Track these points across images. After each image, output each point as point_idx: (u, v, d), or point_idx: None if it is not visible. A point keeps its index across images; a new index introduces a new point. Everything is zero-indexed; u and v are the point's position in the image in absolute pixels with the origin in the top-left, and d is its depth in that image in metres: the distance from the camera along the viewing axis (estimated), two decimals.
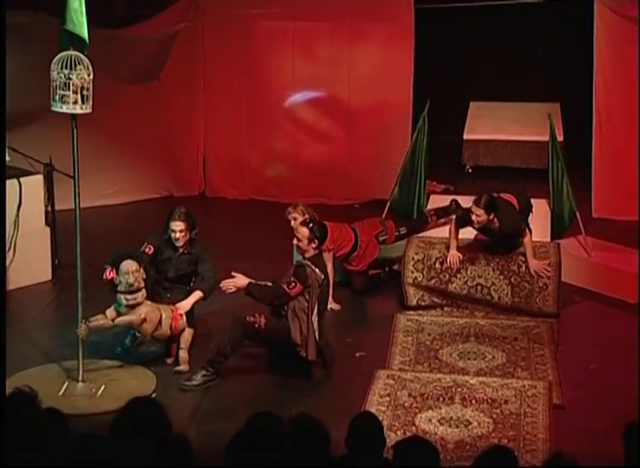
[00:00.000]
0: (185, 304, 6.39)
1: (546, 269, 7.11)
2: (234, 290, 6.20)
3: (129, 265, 6.07)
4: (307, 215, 7.11)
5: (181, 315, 6.33)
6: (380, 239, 7.83)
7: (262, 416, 3.78)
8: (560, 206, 8.47)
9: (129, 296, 6.10)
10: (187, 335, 6.40)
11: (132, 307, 6.12)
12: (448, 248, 7.32)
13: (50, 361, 6.45)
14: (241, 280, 6.18)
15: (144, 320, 6.14)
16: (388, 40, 9.80)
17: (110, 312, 6.18)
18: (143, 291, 6.15)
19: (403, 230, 7.90)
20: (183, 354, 6.39)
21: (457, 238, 7.29)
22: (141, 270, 6.11)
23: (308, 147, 10.09)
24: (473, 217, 6.95)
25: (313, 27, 9.93)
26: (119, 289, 6.11)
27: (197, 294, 6.45)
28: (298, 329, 6.15)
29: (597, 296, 7.64)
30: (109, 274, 6.12)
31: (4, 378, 5.07)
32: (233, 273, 6.22)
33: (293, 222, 7.37)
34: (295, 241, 6.37)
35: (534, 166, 10.09)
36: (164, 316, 6.24)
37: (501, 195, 7.40)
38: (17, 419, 3.63)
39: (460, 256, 7.20)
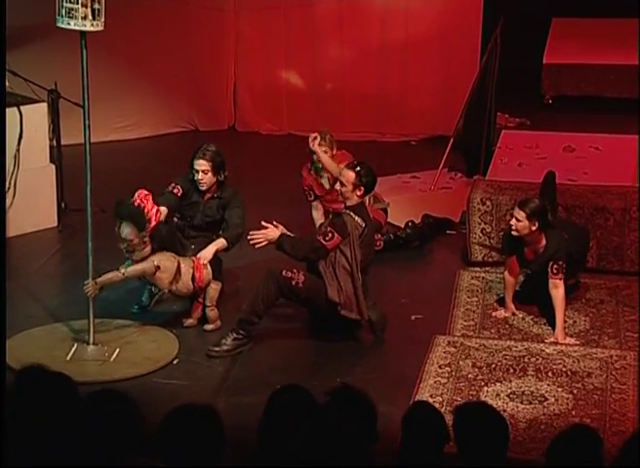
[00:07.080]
0: (207, 252, 6.40)
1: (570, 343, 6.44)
2: (264, 243, 6.18)
3: (123, 231, 6.11)
4: (334, 150, 7.14)
5: (205, 265, 6.36)
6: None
7: (288, 391, 3.77)
8: None
9: (130, 255, 6.18)
10: (212, 292, 6.42)
11: (138, 262, 6.20)
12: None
13: (56, 320, 6.52)
14: (272, 231, 6.15)
15: (158, 268, 6.20)
16: None
17: (123, 267, 6.24)
18: (147, 248, 6.18)
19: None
20: (210, 312, 6.44)
21: (513, 287, 6.73)
22: (141, 233, 6.11)
23: (357, 73, 10.01)
24: (512, 221, 6.55)
25: None
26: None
27: (220, 242, 6.46)
28: (336, 287, 6.14)
29: None
30: None
31: (4, 379, 5.12)
32: (263, 223, 6.20)
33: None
34: (337, 186, 6.30)
35: (626, 95, 9.93)
36: (183, 265, 6.28)
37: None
38: (27, 397, 3.66)
39: (517, 314, 6.67)
